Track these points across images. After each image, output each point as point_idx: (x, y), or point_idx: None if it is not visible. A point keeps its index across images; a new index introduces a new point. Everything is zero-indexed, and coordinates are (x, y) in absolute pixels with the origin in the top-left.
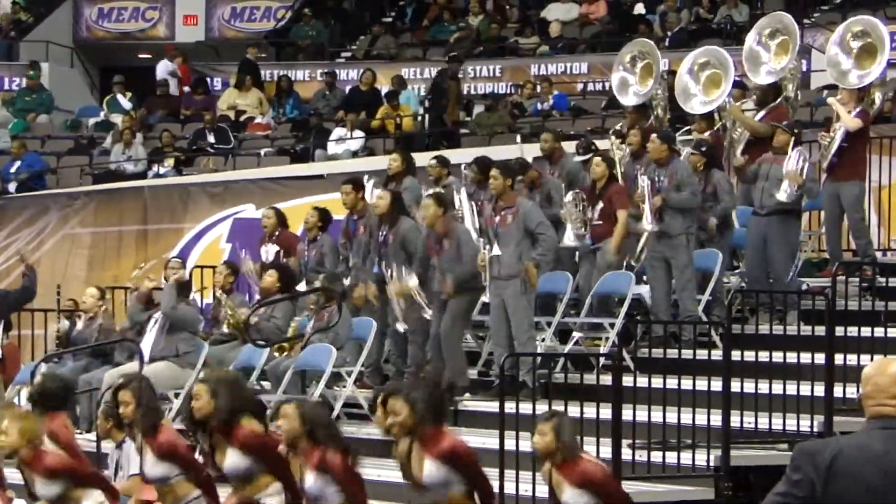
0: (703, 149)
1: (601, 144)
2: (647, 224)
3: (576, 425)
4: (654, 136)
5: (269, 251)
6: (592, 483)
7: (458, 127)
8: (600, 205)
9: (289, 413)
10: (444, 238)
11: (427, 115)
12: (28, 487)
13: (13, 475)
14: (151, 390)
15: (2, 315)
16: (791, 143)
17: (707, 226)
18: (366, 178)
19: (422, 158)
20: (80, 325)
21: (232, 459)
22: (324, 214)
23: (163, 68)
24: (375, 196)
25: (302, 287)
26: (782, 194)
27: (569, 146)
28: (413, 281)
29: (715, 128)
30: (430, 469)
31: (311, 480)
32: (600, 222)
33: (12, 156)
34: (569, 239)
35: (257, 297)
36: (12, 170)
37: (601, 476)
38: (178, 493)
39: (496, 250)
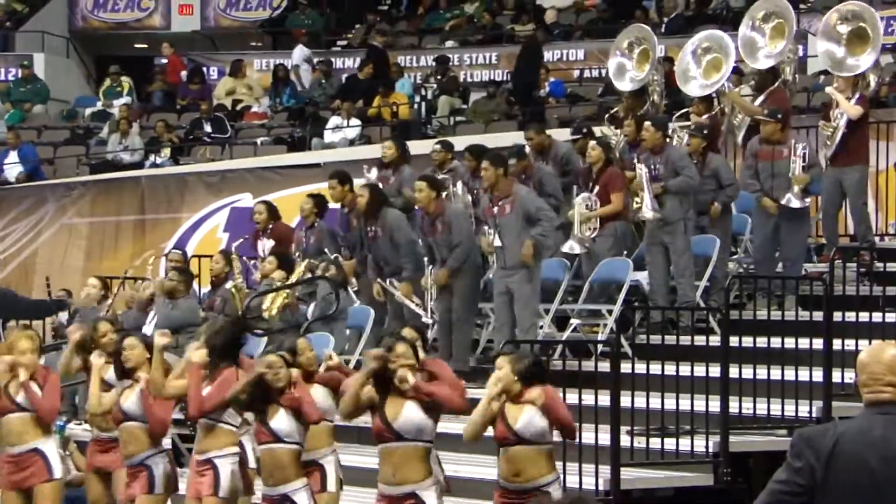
0: (705, 132)
1: (598, 132)
2: (648, 211)
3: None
4: (647, 123)
5: (265, 245)
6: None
7: (455, 115)
8: (596, 189)
9: None
10: (437, 219)
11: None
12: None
13: None
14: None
15: (5, 315)
16: (783, 134)
17: (709, 211)
18: (364, 167)
19: (423, 146)
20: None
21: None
22: (319, 200)
23: (298, 54)
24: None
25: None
26: (796, 202)
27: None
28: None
29: (713, 111)
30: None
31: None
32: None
33: (9, 145)
34: (569, 247)
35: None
36: (7, 160)
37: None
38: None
39: (498, 241)
